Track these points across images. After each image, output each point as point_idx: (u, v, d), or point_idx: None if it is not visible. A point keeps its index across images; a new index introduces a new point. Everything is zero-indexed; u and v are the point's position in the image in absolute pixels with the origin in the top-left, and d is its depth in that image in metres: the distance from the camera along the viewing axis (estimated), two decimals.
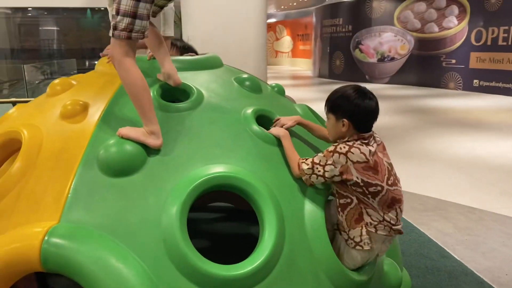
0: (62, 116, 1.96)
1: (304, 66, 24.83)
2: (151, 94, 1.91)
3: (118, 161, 1.72)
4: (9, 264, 1.56)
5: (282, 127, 2.03)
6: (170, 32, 2.82)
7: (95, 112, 1.94)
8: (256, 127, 2.00)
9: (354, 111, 1.83)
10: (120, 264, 1.53)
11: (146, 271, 1.55)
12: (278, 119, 2.10)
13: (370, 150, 1.82)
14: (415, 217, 3.85)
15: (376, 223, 1.85)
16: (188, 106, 1.98)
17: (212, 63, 2.43)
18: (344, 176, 1.80)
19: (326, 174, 1.81)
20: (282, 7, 26.46)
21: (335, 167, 1.79)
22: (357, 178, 1.79)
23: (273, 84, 2.67)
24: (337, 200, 1.90)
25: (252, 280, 1.63)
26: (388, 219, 1.85)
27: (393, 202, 1.86)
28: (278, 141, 2.00)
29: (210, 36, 4.58)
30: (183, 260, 1.57)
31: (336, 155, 1.79)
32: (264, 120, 2.13)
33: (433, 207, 4.05)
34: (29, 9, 17.20)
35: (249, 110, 2.07)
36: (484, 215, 3.87)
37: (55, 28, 19.34)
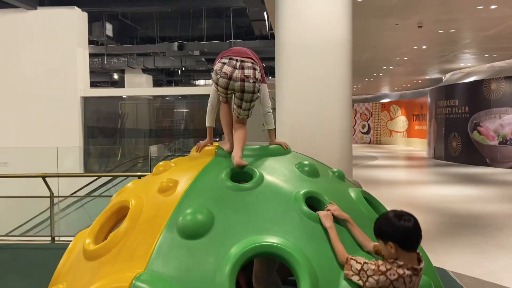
0: (159, 190, 2.61)
1: (420, 146, 24.09)
2: (223, 176, 2.50)
3: (191, 227, 2.27)
4: None
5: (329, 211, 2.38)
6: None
7: (182, 188, 2.55)
8: (304, 206, 2.41)
9: (396, 234, 2.06)
10: None
11: None
12: (330, 205, 2.45)
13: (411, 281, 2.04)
14: None
15: None
16: (249, 186, 2.49)
17: (280, 151, 2.95)
18: None
19: (367, 284, 2.07)
20: (396, 88, 26.62)
21: (377, 284, 2.05)
22: None
23: (335, 170, 3.06)
24: None
25: None
26: None
27: None
28: None
29: (299, 123, 5.18)
30: None
31: (383, 277, 2.04)
32: (314, 201, 2.52)
33: None
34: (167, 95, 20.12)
35: (301, 192, 2.49)
36: None
37: (185, 110, 22.18)
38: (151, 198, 2.61)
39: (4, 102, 12.85)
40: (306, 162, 2.85)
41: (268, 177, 2.59)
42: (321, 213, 2.38)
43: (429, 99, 20.42)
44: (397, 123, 28.77)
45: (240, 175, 2.64)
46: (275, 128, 3.12)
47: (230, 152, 2.75)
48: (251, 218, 2.34)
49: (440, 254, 5.18)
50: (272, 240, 2.20)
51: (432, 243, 5.74)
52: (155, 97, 17.80)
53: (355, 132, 31.55)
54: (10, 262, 5.38)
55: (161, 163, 3.03)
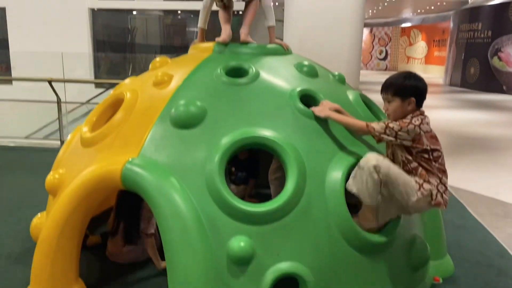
0: (154, 83, 2.59)
1: (437, 74, 23.44)
2: (219, 71, 2.46)
3: (183, 117, 2.27)
4: (101, 180, 2.22)
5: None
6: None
7: (176, 82, 2.53)
8: (298, 103, 2.38)
9: (418, 90, 2.18)
10: (174, 192, 2.07)
11: (192, 201, 2.06)
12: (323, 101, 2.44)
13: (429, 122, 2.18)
14: (491, 221, 3.76)
15: (435, 188, 2.15)
16: (244, 81, 2.45)
17: (279, 51, 2.87)
18: (415, 144, 2.14)
19: (398, 137, 2.14)
20: (419, 11, 25.31)
21: (409, 135, 2.13)
22: (427, 146, 2.14)
23: (335, 73, 2.99)
24: (402, 167, 2.19)
25: (269, 217, 2.05)
26: (444, 183, 2.18)
27: (445, 169, 2.20)
28: (316, 117, 2.35)
29: (308, 35, 5.00)
30: (219, 195, 2.05)
31: (411, 126, 2.13)
32: (310, 100, 2.49)
33: (506, 214, 3.87)
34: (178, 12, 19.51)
35: (297, 89, 2.46)
36: None
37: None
38: (146, 91, 2.61)
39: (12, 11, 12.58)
40: (305, 63, 2.78)
41: (264, 74, 2.54)
42: (315, 108, 2.36)
43: (451, 23, 19.48)
44: (416, 49, 27.76)
45: (236, 70, 2.59)
46: (275, 28, 3.01)
47: (226, 43, 2.72)
48: (243, 112, 2.33)
49: None
50: (263, 132, 2.21)
51: None
52: (166, 12, 17.21)
53: (371, 58, 30.65)
54: (19, 162, 5.60)
55: (157, 59, 2.99)
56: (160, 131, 2.30)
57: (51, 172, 2.63)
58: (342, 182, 2.19)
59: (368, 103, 2.85)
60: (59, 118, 6.36)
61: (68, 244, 2.31)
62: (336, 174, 2.20)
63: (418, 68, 27.06)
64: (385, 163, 2.12)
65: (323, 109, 2.36)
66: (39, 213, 2.83)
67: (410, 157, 2.18)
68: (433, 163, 2.17)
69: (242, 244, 1.99)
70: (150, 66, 2.96)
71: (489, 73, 15.99)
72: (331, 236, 2.13)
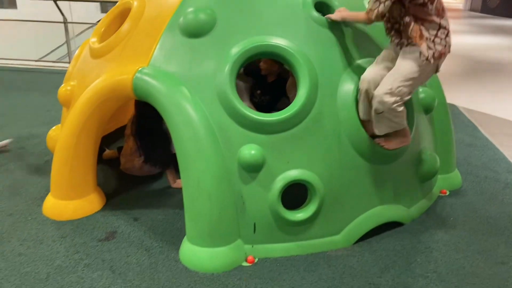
0: None
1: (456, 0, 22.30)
2: None
3: (193, 25, 2.21)
4: (113, 89, 2.23)
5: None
6: None
7: None
8: (313, 10, 2.29)
9: None
10: (185, 101, 2.07)
11: (203, 110, 2.06)
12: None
13: None
14: (502, 140, 3.75)
15: (433, 36, 2.02)
16: None
17: None
18: None
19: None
20: None
21: None
22: None
23: None
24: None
25: (280, 126, 2.06)
26: (444, 25, 2.03)
27: (444, 10, 2.05)
28: (330, 26, 2.26)
29: None
30: (230, 105, 2.05)
31: None
32: (324, 8, 2.38)
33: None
34: None
35: None
36: None
37: None
38: (154, 0, 2.52)
39: None
40: None
41: None
42: (330, 15, 2.27)
43: None
44: None
45: None
46: None
47: None
48: (255, 20, 2.25)
49: (453, 92, 5.09)
50: (273, 40, 2.15)
51: (448, 82, 5.68)
52: None
53: None
54: (31, 83, 5.63)
55: None
56: (169, 40, 2.25)
57: (63, 85, 2.64)
58: (354, 94, 2.17)
59: None
60: (67, 39, 6.26)
61: (84, 151, 2.38)
62: (348, 86, 2.17)
63: None
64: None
65: (338, 14, 2.26)
66: (54, 126, 2.89)
67: (403, 12, 2.02)
68: (429, 5, 1.99)
69: (253, 152, 2.03)
70: None
71: None
72: (341, 146, 2.15)
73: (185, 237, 2.14)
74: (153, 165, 2.90)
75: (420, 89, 2.57)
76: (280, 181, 2.06)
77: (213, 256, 2.03)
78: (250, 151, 2.03)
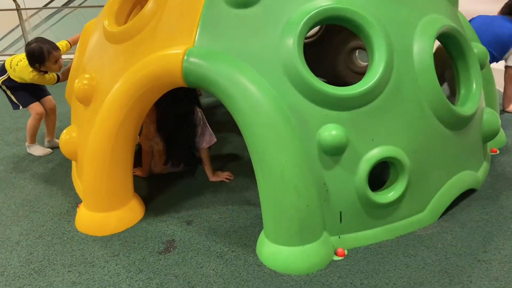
0: None
1: None
2: None
3: None
4: (158, 77, 1.88)
5: None
6: None
7: None
8: None
9: None
10: (247, 80, 1.77)
11: (269, 87, 1.78)
12: None
13: None
14: None
15: None
16: None
17: None
18: None
19: None
20: None
21: None
22: None
23: None
24: None
25: (361, 100, 1.82)
26: None
27: None
28: None
29: None
30: (302, 81, 1.77)
31: None
32: None
33: None
34: None
35: None
36: None
37: None
38: None
39: None
40: None
41: None
42: None
43: None
44: None
45: None
46: None
47: None
48: None
49: None
50: (337, 2, 1.88)
51: None
52: None
53: None
54: None
55: None
56: (214, 13, 1.92)
57: (77, 80, 2.23)
58: (430, 52, 1.95)
59: None
60: (22, 26, 5.58)
61: (124, 153, 2.04)
62: (423, 44, 1.95)
63: None
64: None
65: None
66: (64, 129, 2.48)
67: None
68: None
69: (334, 132, 1.78)
70: None
71: None
72: (423, 114, 1.95)
73: (263, 237, 1.88)
74: (175, 165, 2.61)
75: (473, 44, 2.41)
76: (367, 162, 1.84)
77: (305, 255, 1.79)
78: (330, 131, 1.78)
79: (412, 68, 1.93)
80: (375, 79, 1.81)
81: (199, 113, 2.48)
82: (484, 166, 2.42)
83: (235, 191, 2.42)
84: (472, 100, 2.13)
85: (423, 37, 1.97)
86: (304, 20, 1.82)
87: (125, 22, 2.27)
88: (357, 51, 4.04)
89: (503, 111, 3.38)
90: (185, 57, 1.82)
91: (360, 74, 3.94)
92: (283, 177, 1.74)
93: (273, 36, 1.85)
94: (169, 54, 1.86)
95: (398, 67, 1.89)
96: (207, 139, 2.47)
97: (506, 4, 3.35)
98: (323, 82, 1.81)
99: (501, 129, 2.82)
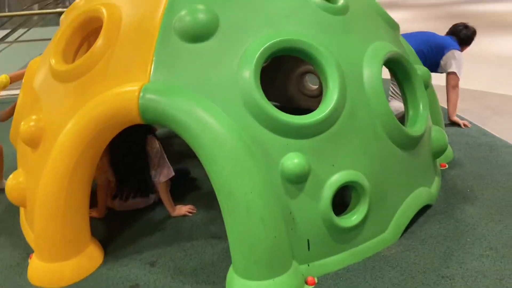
0: None
1: None
2: None
3: (193, 28, 1.89)
4: (113, 116, 1.82)
5: None
6: None
7: None
8: None
9: None
10: (206, 114, 1.76)
11: (229, 120, 1.77)
12: None
13: None
14: (458, 106, 3.95)
15: None
16: None
17: None
18: None
19: None
20: None
21: None
22: None
23: None
24: None
25: (320, 127, 1.85)
26: None
27: None
28: (338, 11, 2.11)
29: None
30: (261, 112, 1.79)
31: None
32: None
33: (473, 97, 4.13)
34: None
35: None
36: None
37: None
38: (127, 3, 2.11)
39: None
40: None
41: None
42: None
43: None
44: None
45: None
46: None
47: None
48: (261, 13, 2.00)
49: None
50: (291, 34, 1.92)
51: None
52: None
53: None
54: None
55: None
56: (168, 48, 1.90)
57: (23, 121, 2.11)
58: (379, 78, 2.04)
59: None
60: None
61: (78, 196, 1.94)
62: (372, 71, 2.04)
63: None
64: None
65: None
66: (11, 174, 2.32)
67: None
68: None
69: (296, 160, 1.80)
70: None
71: None
72: (378, 136, 2.02)
73: (232, 273, 1.84)
74: (132, 197, 2.52)
75: (416, 66, 2.54)
76: (329, 187, 1.86)
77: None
78: (293, 160, 1.80)
79: (364, 93, 2.00)
80: (330, 107, 1.85)
81: (157, 144, 2.41)
82: (437, 181, 2.53)
83: (199, 224, 2.36)
84: (420, 121, 2.24)
85: (372, 64, 2.05)
86: (259, 52, 1.84)
87: (73, 60, 2.19)
88: (307, 75, 4.14)
89: (449, 122, 3.58)
90: (141, 94, 1.78)
91: (311, 97, 4.03)
92: (249, 209, 1.72)
93: (230, 69, 1.86)
94: (124, 91, 1.81)
95: (351, 93, 1.95)
96: (165, 172, 2.40)
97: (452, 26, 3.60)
98: (282, 112, 1.83)
99: (448, 146, 2.97)
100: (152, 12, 2.00)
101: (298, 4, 2.07)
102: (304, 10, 2.06)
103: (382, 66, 2.08)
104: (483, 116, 3.67)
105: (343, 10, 2.14)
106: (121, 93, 1.81)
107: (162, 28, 1.93)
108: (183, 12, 1.92)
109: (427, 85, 2.57)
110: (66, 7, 6.66)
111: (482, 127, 3.43)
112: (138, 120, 1.82)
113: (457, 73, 3.35)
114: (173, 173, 2.43)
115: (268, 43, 1.86)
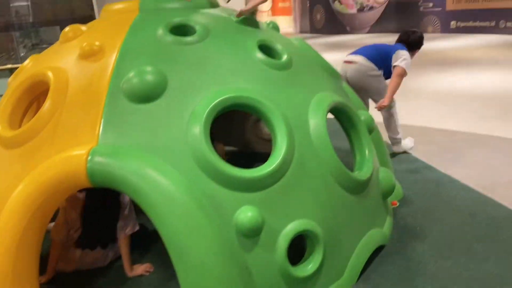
0: (81, 56, 2.14)
1: (285, 24, 24.58)
2: (161, 31, 2.14)
3: (141, 90, 1.93)
4: (61, 181, 1.79)
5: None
6: None
7: (112, 50, 2.12)
8: (260, 54, 2.21)
9: None
10: (157, 173, 1.77)
11: (181, 178, 1.79)
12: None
13: None
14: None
15: None
16: (196, 39, 2.17)
17: (206, 4, 2.60)
18: None
19: None
20: None
21: None
22: None
23: (268, 21, 2.86)
24: None
25: (270, 180, 1.90)
26: None
27: None
28: (282, 66, 2.22)
29: None
30: (212, 168, 1.82)
31: None
32: (265, 50, 2.33)
33: (419, 134, 4.34)
34: None
35: (253, 40, 2.27)
36: (466, 136, 4.20)
37: None
38: (74, 66, 2.14)
39: None
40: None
41: (212, 29, 2.28)
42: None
43: None
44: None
45: (180, 28, 2.27)
46: None
47: None
48: (208, 72, 2.07)
49: None
50: (238, 91, 2.00)
51: None
52: None
53: None
54: None
55: (67, 28, 2.47)
56: (117, 109, 1.93)
57: None
58: (324, 127, 2.14)
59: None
60: None
61: (27, 266, 1.85)
62: (317, 121, 2.13)
63: (268, 20, 28.05)
64: None
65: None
66: None
67: None
68: None
69: (249, 214, 1.82)
70: (61, 38, 2.43)
71: (333, 17, 17.40)
72: (327, 184, 2.09)
73: None
74: (92, 246, 2.44)
75: (359, 112, 2.68)
76: (284, 238, 1.89)
77: None
78: (246, 214, 1.82)
79: (311, 142, 2.09)
80: (279, 159, 1.91)
81: None
82: (389, 221, 2.61)
83: (156, 285, 2.30)
84: (367, 165, 2.34)
85: (316, 114, 2.15)
86: (208, 109, 1.90)
87: (20, 124, 2.16)
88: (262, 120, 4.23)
89: (392, 153, 3.76)
90: (89, 157, 1.77)
91: (268, 140, 4.11)
92: (204, 267, 1.71)
93: (179, 127, 1.90)
94: (71, 155, 1.80)
95: (299, 144, 2.03)
96: (131, 224, 2.37)
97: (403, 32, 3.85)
98: (233, 166, 1.87)
99: (397, 182, 3.10)
100: (100, 74, 2.04)
101: (244, 61, 2.17)
102: (250, 67, 2.16)
103: (326, 116, 2.19)
104: (429, 152, 3.86)
105: (287, 65, 2.26)
106: (69, 157, 1.80)
107: (110, 90, 1.97)
108: (131, 74, 1.96)
109: (372, 129, 2.70)
110: (18, 62, 6.56)
111: (428, 163, 3.60)
112: (87, 184, 1.80)
113: (404, 66, 3.55)
114: (138, 227, 2.40)
115: (217, 101, 1.93)
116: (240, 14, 2.44)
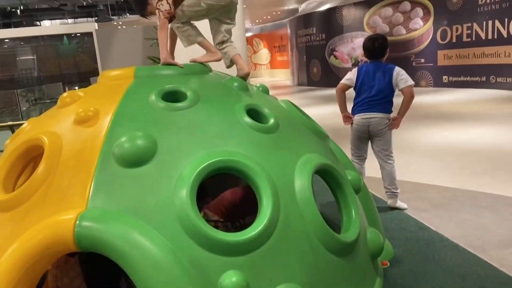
0: (76, 122, 2.23)
1: (283, 76, 25.34)
2: (153, 97, 2.25)
3: (131, 154, 2.01)
4: (48, 246, 1.82)
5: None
6: None
7: (106, 116, 2.22)
8: (247, 118, 2.31)
9: None
10: (143, 238, 1.80)
11: (166, 243, 1.82)
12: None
13: None
14: (400, 198, 4.18)
15: None
16: (186, 105, 2.28)
17: (200, 69, 2.75)
18: None
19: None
20: (257, 21, 27.07)
21: None
22: None
23: (258, 85, 2.99)
24: None
25: (255, 243, 1.93)
26: None
27: None
28: (268, 129, 2.31)
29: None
30: (197, 232, 1.85)
31: None
32: (253, 113, 2.43)
33: (411, 190, 4.40)
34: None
35: (240, 105, 2.38)
36: (457, 192, 4.24)
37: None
38: (69, 131, 2.23)
39: None
40: (235, 77, 2.72)
41: (203, 94, 2.40)
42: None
43: (289, 30, 21.29)
44: (260, 56, 29.59)
45: (172, 94, 2.39)
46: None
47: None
48: (196, 136, 2.16)
49: None
50: (224, 155, 2.08)
51: None
52: None
53: None
54: None
55: (65, 94, 2.59)
56: (107, 175, 1.99)
57: None
58: (310, 189, 2.19)
59: (299, 110, 2.92)
60: None
61: None
62: (303, 182, 2.18)
63: (266, 73, 28.91)
64: None
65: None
66: None
67: None
68: None
69: (234, 279, 1.84)
70: (58, 102, 2.55)
71: (329, 71, 17.93)
72: (313, 246, 2.11)
73: None
74: None
75: (346, 172, 2.74)
76: None
77: None
78: (231, 279, 1.83)
79: (296, 205, 2.13)
80: (264, 222, 1.95)
81: None
82: (378, 282, 2.60)
83: None
84: (353, 226, 2.36)
85: (302, 176, 2.21)
86: (196, 173, 1.96)
87: (14, 187, 2.22)
88: None
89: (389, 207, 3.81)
90: (77, 222, 1.81)
91: None
92: None
93: (167, 191, 1.95)
94: (60, 220, 1.84)
95: (284, 206, 2.07)
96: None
97: (366, 49, 3.96)
98: (217, 230, 1.91)
99: (387, 241, 3.11)
100: (93, 139, 2.12)
101: (231, 126, 2.26)
102: (238, 131, 2.25)
103: (312, 177, 2.25)
104: (420, 209, 3.89)
105: (274, 128, 2.35)
106: (57, 222, 1.84)
107: (102, 155, 2.04)
108: (122, 139, 2.04)
109: (358, 189, 2.75)
110: (20, 119, 6.71)
111: (420, 221, 3.62)
112: (74, 249, 1.83)
113: (411, 84, 3.82)
114: None
115: (204, 165, 1.99)
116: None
